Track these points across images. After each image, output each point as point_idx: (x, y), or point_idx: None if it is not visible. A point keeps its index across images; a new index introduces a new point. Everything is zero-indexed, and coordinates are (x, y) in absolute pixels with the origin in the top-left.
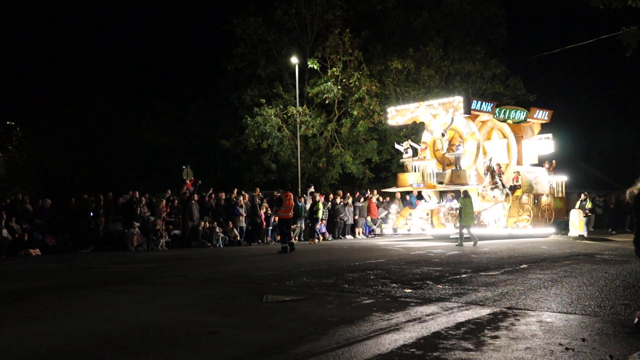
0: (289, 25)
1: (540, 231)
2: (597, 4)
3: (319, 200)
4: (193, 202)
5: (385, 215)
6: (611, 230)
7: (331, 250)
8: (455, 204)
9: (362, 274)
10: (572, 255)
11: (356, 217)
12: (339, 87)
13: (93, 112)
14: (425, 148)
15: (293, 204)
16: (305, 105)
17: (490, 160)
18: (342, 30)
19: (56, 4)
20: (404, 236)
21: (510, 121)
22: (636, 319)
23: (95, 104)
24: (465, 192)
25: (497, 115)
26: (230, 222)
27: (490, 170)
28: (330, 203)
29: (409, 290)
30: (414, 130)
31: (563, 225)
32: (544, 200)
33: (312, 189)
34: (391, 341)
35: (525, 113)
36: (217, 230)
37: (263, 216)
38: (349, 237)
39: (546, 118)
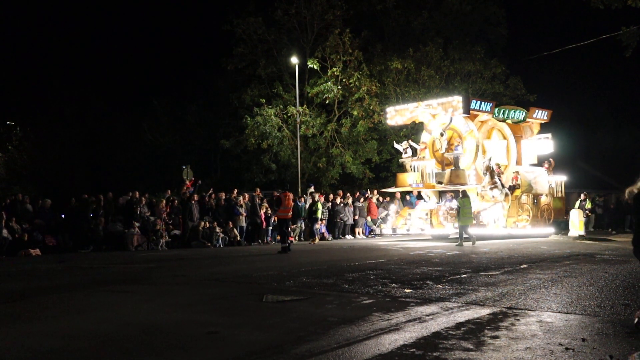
0: (289, 25)
1: (540, 231)
2: (597, 4)
3: (317, 200)
4: (193, 202)
5: (385, 216)
6: (611, 230)
7: (331, 250)
8: (455, 204)
9: (362, 274)
10: (572, 255)
11: (356, 217)
12: (339, 87)
13: (93, 112)
14: (425, 148)
15: (292, 204)
16: (305, 105)
17: (490, 160)
18: (342, 30)
19: (56, 4)
20: (404, 236)
21: (509, 121)
22: (636, 319)
23: (95, 104)
24: (464, 192)
25: (497, 115)
26: (230, 222)
27: (489, 170)
28: (330, 203)
29: (409, 290)
30: (414, 130)
31: (563, 225)
32: (543, 200)
33: (312, 189)
34: (391, 341)
35: (524, 113)
36: (217, 230)
37: (263, 216)
38: (349, 237)
39: (545, 118)
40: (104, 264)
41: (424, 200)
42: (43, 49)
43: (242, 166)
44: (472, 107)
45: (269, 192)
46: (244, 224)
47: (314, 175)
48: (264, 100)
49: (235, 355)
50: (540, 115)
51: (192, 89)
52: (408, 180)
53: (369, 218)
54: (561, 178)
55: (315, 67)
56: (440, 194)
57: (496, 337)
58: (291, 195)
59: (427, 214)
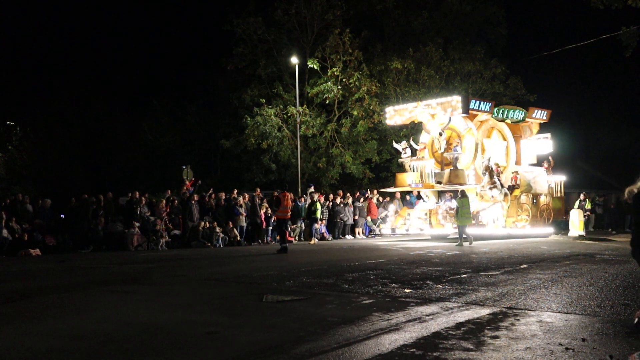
0: (289, 25)
1: (539, 231)
2: (597, 4)
3: (317, 200)
4: (193, 202)
5: (385, 216)
6: (611, 230)
7: (331, 250)
8: (454, 203)
9: (362, 274)
10: (572, 255)
11: (356, 217)
12: (339, 87)
13: (93, 112)
14: (424, 148)
15: (291, 204)
16: (305, 105)
17: (489, 160)
18: (342, 30)
19: (56, 4)
20: (403, 236)
21: (508, 121)
22: (636, 319)
23: (95, 104)
24: (463, 192)
25: (496, 114)
26: (230, 222)
27: (488, 170)
28: (330, 203)
29: (409, 290)
30: (414, 130)
31: (563, 225)
32: (543, 200)
33: (312, 189)
34: (391, 341)
35: (523, 113)
36: (217, 230)
37: (263, 216)
38: (349, 237)
39: (545, 118)
40: (104, 264)
41: (423, 200)
42: (43, 49)
43: (242, 166)
44: (471, 107)
45: (269, 192)
46: (244, 224)
47: (314, 175)
48: (264, 100)
49: (235, 355)
50: (540, 115)
51: (192, 89)
52: (407, 180)
53: (369, 218)
54: (560, 178)
55: (315, 67)
56: (440, 194)
57: (496, 337)
58: (290, 196)
59: (426, 214)
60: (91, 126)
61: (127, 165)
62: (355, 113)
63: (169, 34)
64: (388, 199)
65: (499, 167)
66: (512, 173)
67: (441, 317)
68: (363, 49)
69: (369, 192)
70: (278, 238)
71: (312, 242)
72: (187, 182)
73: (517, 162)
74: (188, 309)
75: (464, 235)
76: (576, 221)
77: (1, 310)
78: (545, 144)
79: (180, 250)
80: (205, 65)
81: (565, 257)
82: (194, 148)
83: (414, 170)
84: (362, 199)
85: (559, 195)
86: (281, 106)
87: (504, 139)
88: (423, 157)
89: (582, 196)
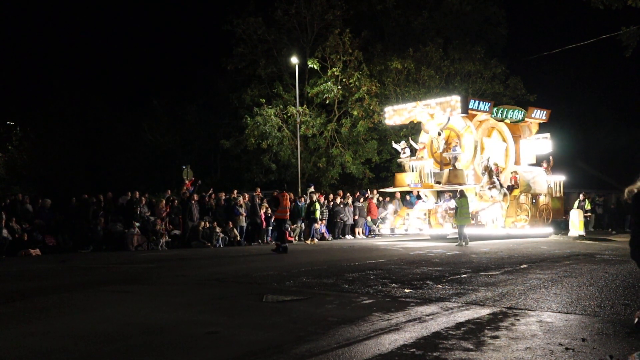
0: (289, 25)
1: (538, 231)
2: (597, 4)
3: (316, 201)
4: (193, 202)
5: (385, 216)
6: (611, 230)
7: (331, 250)
8: (453, 204)
9: (362, 274)
10: (572, 255)
11: (356, 217)
12: (339, 87)
13: (93, 112)
14: (423, 148)
15: (289, 204)
16: (305, 105)
17: (488, 160)
18: (342, 30)
19: (56, 4)
20: (403, 236)
21: (508, 121)
22: (636, 319)
23: (95, 104)
24: (462, 192)
25: (495, 114)
26: (230, 222)
27: (488, 170)
28: (330, 203)
29: (409, 290)
30: (414, 130)
31: (563, 225)
32: (542, 200)
33: (312, 189)
34: (391, 341)
35: (523, 112)
36: (217, 230)
37: (263, 216)
38: (349, 237)
39: (544, 117)
40: (104, 264)
41: (422, 201)
42: (43, 49)
43: (242, 166)
44: (470, 106)
45: (269, 192)
46: (244, 224)
47: (314, 175)
48: (264, 100)
49: (235, 355)
50: (539, 115)
51: (192, 89)
52: (406, 180)
53: (369, 218)
54: (560, 178)
55: (315, 67)
56: (439, 194)
57: (496, 337)
58: (289, 196)
59: (425, 214)
60: (91, 126)
61: (127, 165)
62: (355, 113)
63: (169, 34)
64: (388, 198)
65: (498, 167)
66: (511, 173)
67: (441, 317)
68: (363, 49)
69: (369, 192)
70: (271, 239)
71: (310, 242)
72: (186, 182)
73: (517, 162)
74: (188, 309)
75: (466, 236)
76: (576, 221)
77: (1, 310)
78: (545, 144)
79: (180, 250)
80: (205, 65)
81: (565, 257)
82: (194, 148)
83: (413, 170)
84: (362, 199)
85: (558, 195)
86: (281, 106)
87: (504, 140)
88: (422, 157)
89: (581, 196)
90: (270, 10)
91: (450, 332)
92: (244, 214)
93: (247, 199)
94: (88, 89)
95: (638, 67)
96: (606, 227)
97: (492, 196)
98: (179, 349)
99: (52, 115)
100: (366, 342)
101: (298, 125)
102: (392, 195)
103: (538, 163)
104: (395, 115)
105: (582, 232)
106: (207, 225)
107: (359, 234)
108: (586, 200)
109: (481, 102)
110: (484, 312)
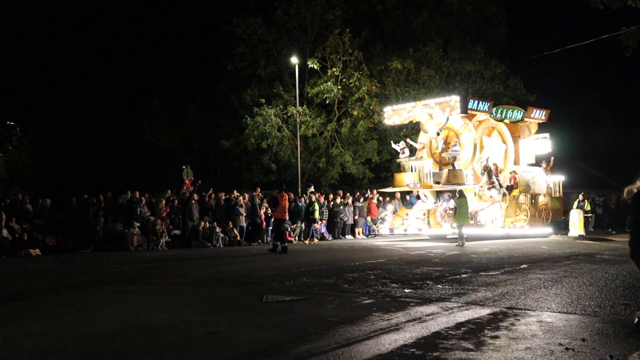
0: (289, 25)
1: (538, 231)
2: (597, 4)
3: (315, 201)
4: (193, 202)
5: (384, 216)
6: (611, 230)
7: (331, 250)
8: (452, 204)
9: (362, 274)
10: (572, 255)
11: (356, 217)
12: (339, 87)
13: (93, 112)
14: (423, 148)
15: (288, 204)
16: (305, 105)
17: (487, 160)
18: (342, 30)
19: (56, 4)
20: (402, 236)
21: (507, 121)
22: (636, 319)
23: (95, 104)
24: (461, 192)
25: (494, 114)
26: (230, 222)
27: (487, 170)
28: (330, 203)
29: (409, 290)
30: (414, 130)
31: (563, 225)
32: (541, 200)
33: (312, 189)
34: (391, 341)
35: (522, 112)
36: (217, 230)
37: (263, 216)
38: (349, 237)
39: (543, 117)
40: (104, 264)
41: (422, 201)
42: (43, 49)
43: (242, 166)
44: (469, 106)
45: (269, 192)
46: (244, 224)
47: (314, 175)
48: (264, 100)
49: (235, 355)
50: (538, 115)
51: (192, 89)
52: (405, 180)
53: (369, 218)
54: (559, 178)
55: (315, 67)
56: (438, 194)
57: (496, 337)
58: (287, 196)
59: (424, 214)
60: (91, 126)
61: (127, 165)
62: (355, 113)
63: (169, 34)
64: (388, 198)
65: (497, 167)
66: (511, 173)
67: (441, 317)
68: (363, 49)
69: (369, 192)
70: (270, 239)
71: (308, 242)
72: (186, 182)
73: (516, 162)
74: (188, 309)
75: (464, 236)
76: (576, 221)
77: (1, 310)
78: (544, 144)
79: (180, 250)
80: (205, 65)
81: (565, 257)
82: (194, 148)
83: (412, 171)
84: (362, 199)
85: (557, 195)
86: (281, 106)
87: (504, 142)
88: (421, 157)
89: (580, 196)
90: (270, 10)
91: (450, 332)
92: (244, 214)
93: (247, 199)
94: (88, 89)
95: (638, 67)
96: (606, 227)
97: (491, 196)
98: (179, 349)
99: (52, 115)
100: (366, 342)
101: (298, 125)
102: (392, 195)
103: (537, 163)
104: (394, 115)
105: (582, 232)
106: (207, 225)
107: (359, 234)
108: (585, 200)
109: (480, 102)
110: (484, 312)
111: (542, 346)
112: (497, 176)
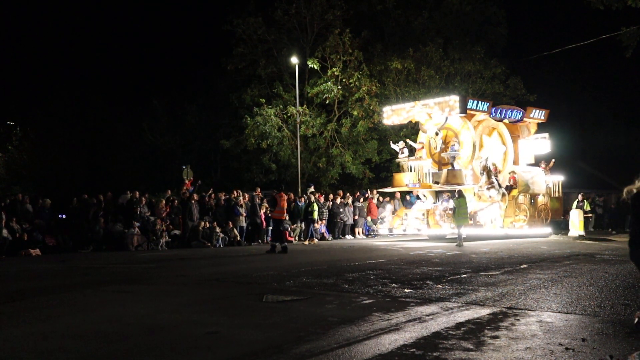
0: (289, 25)
1: (537, 231)
2: (597, 4)
3: (314, 201)
4: (193, 202)
5: (383, 216)
6: (611, 230)
7: (331, 250)
8: (451, 204)
9: (362, 274)
10: (572, 255)
11: (356, 217)
12: (339, 87)
13: (93, 112)
14: (422, 148)
15: (286, 204)
16: (305, 105)
17: (487, 160)
18: (342, 30)
19: (56, 4)
20: (401, 236)
21: (506, 121)
22: (636, 319)
23: (95, 104)
24: (460, 192)
25: (493, 114)
26: (230, 222)
27: (486, 170)
28: (330, 203)
29: (409, 290)
30: (414, 130)
31: (562, 225)
32: (541, 200)
33: (312, 189)
34: (391, 341)
35: (521, 112)
36: (217, 230)
37: (263, 216)
38: (349, 237)
39: (543, 117)
40: (104, 264)
41: (421, 201)
42: (43, 48)
43: (242, 166)
44: (468, 106)
45: (269, 192)
46: (243, 224)
47: (314, 175)
48: (264, 100)
49: (235, 355)
50: (538, 115)
51: (192, 89)
52: (404, 180)
53: (369, 218)
54: (558, 178)
55: (315, 67)
56: (437, 194)
57: (496, 337)
58: (286, 196)
59: (423, 214)
60: (91, 126)
61: (127, 165)
62: (355, 113)
63: (169, 34)
64: (388, 198)
65: (496, 167)
66: (510, 173)
67: (441, 317)
68: (363, 49)
69: (369, 192)
70: (270, 239)
71: (308, 242)
72: (186, 182)
73: (515, 162)
74: (188, 309)
75: (463, 236)
76: (576, 221)
77: (1, 310)
78: (543, 144)
79: (180, 250)
80: (205, 65)
81: (565, 257)
82: (194, 148)
83: (411, 171)
84: (362, 199)
85: (557, 195)
86: (281, 106)
87: (503, 143)
88: (421, 157)
89: (580, 197)
90: (270, 10)
91: (450, 332)
92: (244, 214)
93: (247, 199)
94: (88, 89)
95: (638, 67)
96: (606, 227)
97: (490, 196)
98: (179, 349)
99: (52, 115)
100: (366, 342)
101: (298, 125)
102: (392, 196)
103: (536, 163)
104: (393, 115)
105: (582, 232)
106: (207, 225)
107: (358, 234)
108: (585, 200)
109: (479, 102)
110: (484, 312)
111: (542, 346)
112: (496, 176)
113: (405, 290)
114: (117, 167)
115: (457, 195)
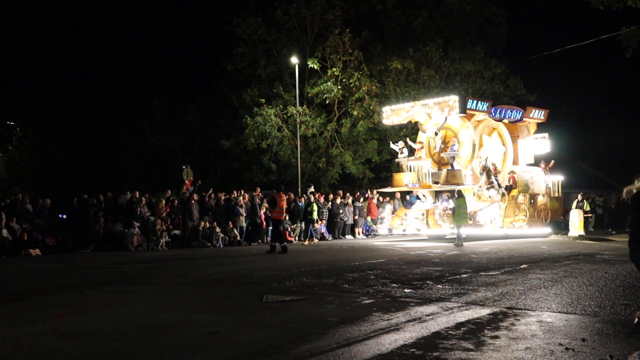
0: (289, 25)
1: (537, 231)
2: (597, 4)
3: (313, 201)
4: (193, 202)
5: (382, 216)
6: (611, 230)
7: (331, 250)
8: (451, 204)
9: (362, 274)
10: (572, 255)
11: (356, 217)
12: (339, 87)
13: (93, 112)
14: (422, 148)
15: (286, 205)
16: (305, 105)
17: (486, 160)
18: (342, 30)
19: (56, 4)
20: (401, 236)
21: (506, 120)
22: (636, 319)
23: (95, 104)
24: (459, 192)
25: (493, 114)
26: (230, 222)
27: (486, 170)
28: (330, 203)
29: (409, 290)
30: (414, 130)
31: (562, 225)
32: (540, 200)
33: (312, 189)
34: (391, 341)
35: (521, 112)
36: (217, 230)
37: (263, 216)
38: (349, 237)
39: (542, 117)
40: (104, 264)
41: (421, 201)
42: (43, 49)
43: (242, 166)
44: (468, 106)
45: (269, 192)
46: (243, 224)
47: (314, 175)
48: (264, 100)
49: (235, 355)
50: (537, 115)
51: (192, 89)
52: (404, 180)
53: (369, 218)
54: (558, 178)
55: (315, 67)
56: (437, 194)
57: (496, 337)
58: (285, 197)
59: (423, 214)
60: (91, 126)
61: (127, 165)
62: (355, 113)
63: (169, 34)
64: (388, 198)
65: (496, 167)
66: (510, 173)
67: (441, 317)
68: (363, 49)
69: (369, 192)
70: (269, 239)
71: (307, 242)
72: (186, 182)
73: (515, 162)
74: (188, 309)
75: (462, 236)
76: (576, 221)
77: (1, 310)
78: (543, 144)
79: (180, 250)
80: (205, 65)
81: (565, 257)
82: (194, 148)
83: (411, 171)
84: (362, 199)
85: (556, 195)
86: (281, 106)
87: (503, 143)
88: (420, 157)
89: (579, 197)
90: (270, 10)
91: (450, 332)
92: (244, 214)
93: (247, 199)
94: (88, 89)
95: (638, 67)
96: (606, 227)
97: (490, 196)
98: (179, 349)
99: (52, 115)
100: (366, 342)
101: (298, 125)
102: (391, 196)
103: (536, 163)
104: (393, 115)
105: (582, 232)
106: (207, 225)
107: (358, 234)
108: (584, 200)
109: (479, 102)
110: (484, 312)
111: (542, 346)
112: (495, 176)
113: (405, 290)
114: (117, 167)
115: (456, 195)
